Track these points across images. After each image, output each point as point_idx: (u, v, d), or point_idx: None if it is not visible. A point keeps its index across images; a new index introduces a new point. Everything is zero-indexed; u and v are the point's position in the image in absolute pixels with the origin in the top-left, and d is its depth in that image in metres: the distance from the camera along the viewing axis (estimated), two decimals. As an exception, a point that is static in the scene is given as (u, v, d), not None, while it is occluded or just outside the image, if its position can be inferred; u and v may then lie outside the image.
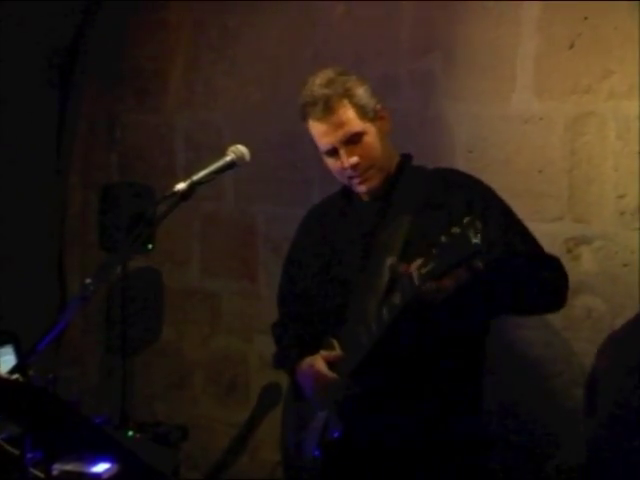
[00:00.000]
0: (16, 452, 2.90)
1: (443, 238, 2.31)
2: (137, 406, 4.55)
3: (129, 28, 4.56)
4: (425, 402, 2.63)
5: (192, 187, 2.53)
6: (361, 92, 2.70)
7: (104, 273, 2.81)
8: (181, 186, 2.52)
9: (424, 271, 2.36)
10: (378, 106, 2.74)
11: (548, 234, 3.22)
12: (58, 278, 4.88)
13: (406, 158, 2.86)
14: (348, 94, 2.68)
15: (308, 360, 2.77)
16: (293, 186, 4.02)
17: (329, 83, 2.68)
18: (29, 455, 2.56)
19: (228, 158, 2.65)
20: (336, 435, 2.66)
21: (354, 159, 2.68)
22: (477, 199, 2.68)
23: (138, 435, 4.04)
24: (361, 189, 2.76)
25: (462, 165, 3.45)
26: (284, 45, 4.02)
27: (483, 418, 2.82)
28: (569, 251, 3.29)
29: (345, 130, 2.68)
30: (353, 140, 2.68)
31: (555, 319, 3.29)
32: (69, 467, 2.93)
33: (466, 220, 2.29)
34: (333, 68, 2.75)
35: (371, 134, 2.71)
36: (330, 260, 2.85)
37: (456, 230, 2.29)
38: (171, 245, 4.45)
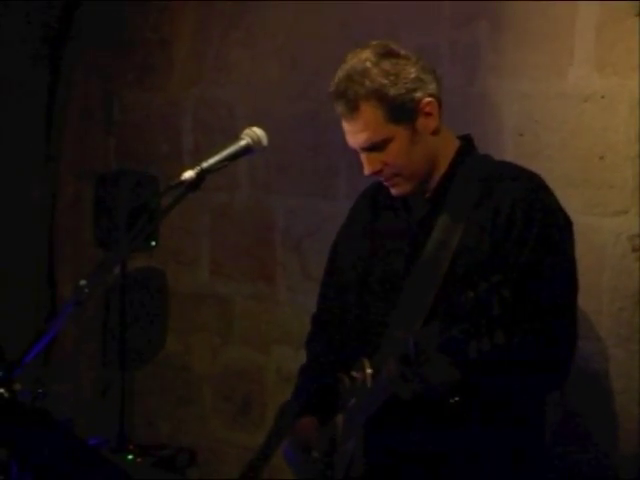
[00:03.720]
0: (1, 477, 2.93)
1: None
2: (138, 426, 4.58)
3: (129, -6, 4.60)
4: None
5: (201, 176, 2.53)
6: (397, 88, 2.64)
7: (100, 274, 2.82)
8: (189, 175, 2.53)
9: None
10: (424, 100, 2.67)
11: (610, 230, 3.21)
12: (48, 280, 4.91)
13: (466, 145, 2.82)
14: (379, 94, 2.63)
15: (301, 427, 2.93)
16: (316, 175, 4.03)
17: (359, 76, 2.64)
18: (15, 481, 2.59)
19: (242, 142, 2.65)
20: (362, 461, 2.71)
21: (374, 167, 2.69)
22: (521, 212, 2.63)
23: (139, 459, 4.08)
24: (393, 192, 2.77)
25: (511, 150, 3.45)
26: (306, 12, 4.03)
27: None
28: (634, 250, 3.28)
29: (367, 137, 2.66)
30: (376, 147, 2.67)
31: (617, 329, 3.28)
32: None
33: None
34: (375, 49, 2.69)
35: (401, 139, 2.67)
36: (374, 253, 2.86)
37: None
38: (177, 242, 4.48)
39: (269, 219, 4.23)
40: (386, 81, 2.64)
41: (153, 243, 4.18)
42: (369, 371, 2.68)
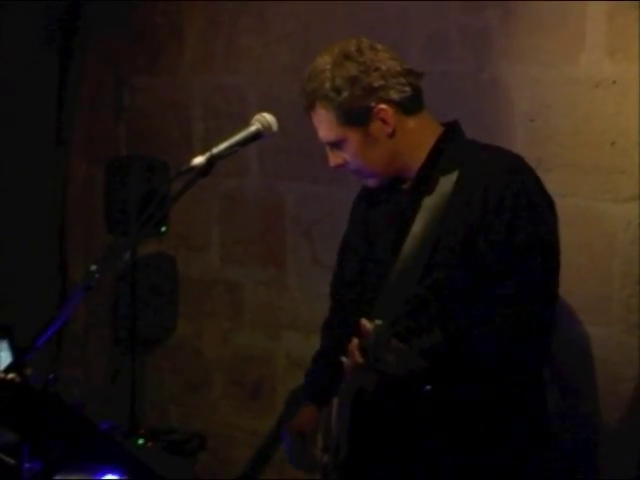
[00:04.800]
0: (12, 462, 2.94)
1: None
2: (148, 411, 4.60)
3: (139, -21, 4.59)
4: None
5: (211, 162, 2.54)
6: (349, 94, 2.67)
7: (111, 259, 2.84)
8: (199, 160, 2.53)
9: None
10: (379, 106, 2.69)
11: (621, 217, 3.21)
12: (59, 265, 4.93)
13: (448, 132, 2.81)
14: (330, 97, 2.68)
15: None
16: (326, 161, 4.00)
17: (315, 77, 2.71)
18: (27, 465, 2.60)
19: (253, 128, 2.66)
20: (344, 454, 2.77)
21: (336, 161, 2.80)
22: (494, 195, 2.62)
23: (149, 443, 4.09)
24: (365, 184, 2.89)
25: (522, 136, 3.44)
26: (317, -1, 4.02)
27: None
28: (645, 236, 3.28)
29: (323, 134, 2.77)
30: (334, 145, 2.77)
31: (627, 315, 3.28)
32: (72, 479, 2.97)
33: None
34: (340, 50, 2.71)
35: (354, 141, 2.72)
36: (368, 243, 2.91)
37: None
38: (187, 228, 4.48)
39: (279, 205, 4.24)
40: (338, 85, 2.68)
41: (163, 229, 4.18)
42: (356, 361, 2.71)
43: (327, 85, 2.68)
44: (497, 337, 2.59)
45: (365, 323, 2.45)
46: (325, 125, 2.74)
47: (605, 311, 3.31)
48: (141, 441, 4.09)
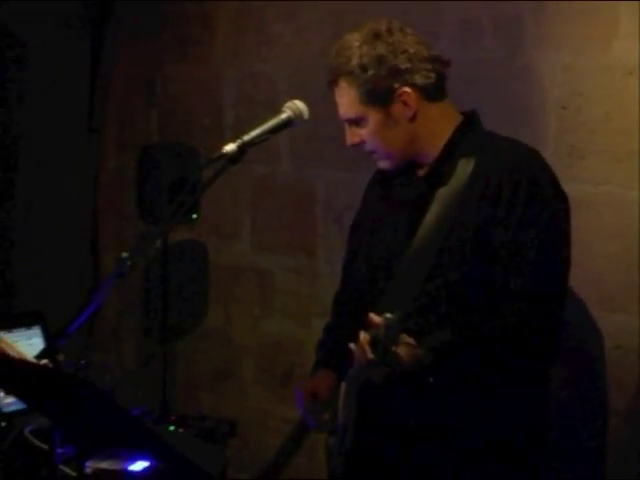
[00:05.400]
0: (45, 447, 2.97)
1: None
2: (179, 397, 4.61)
3: (171, -34, 4.60)
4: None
5: (242, 149, 2.55)
6: (374, 73, 2.67)
7: (142, 247, 2.84)
8: (230, 147, 2.54)
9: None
10: (402, 89, 2.69)
11: (655, 206, 3.20)
12: (91, 252, 4.95)
13: (466, 122, 2.81)
14: (354, 74, 2.68)
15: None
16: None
17: (342, 53, 2.71)
18: (59, 451, 2.62)
19: (284, 115, 2.66)
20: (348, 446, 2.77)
21: (353, 140, 2.78)
22: (507, 189, 2.62)
23: (180, 430, 4.10)
24: (379, 165, 2.86)
25: (554, 123, 3.43)
26: (348, -16, 4.01)
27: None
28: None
29: (344, 110, 2.76)
30: (353, 122, 2.76)
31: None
32: (104, 465, 2.99)
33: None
34: (369, 28, 2.71)
35: (374, 121, 2.71)
36: (380, 226, 2.91)
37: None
38: (218, 215, 4.49)
39: (310, 192, 4.24)
40: (365, 63, 2.68)
41: (194, 216, 4.19)
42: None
43: (354, 62, 2.68)
44: (508, 334, 2.59)
45: (374, 317, 2.45)
46: (347, 101, 2.73)
47: (636, 299, 3.30)
48: (172, 427, 4.10)
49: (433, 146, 2.76)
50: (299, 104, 2.68)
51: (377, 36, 2.70)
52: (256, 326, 4.48)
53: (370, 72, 2.68)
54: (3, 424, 3.22)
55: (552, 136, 3.42)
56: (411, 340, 2.44)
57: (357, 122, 2.74)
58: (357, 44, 2.70)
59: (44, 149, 4.60)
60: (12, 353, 2.65)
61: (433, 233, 2.69)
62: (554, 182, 2.69)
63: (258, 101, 4.31)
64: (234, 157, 2.54)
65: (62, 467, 2.77)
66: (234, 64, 4.45)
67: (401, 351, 2.42)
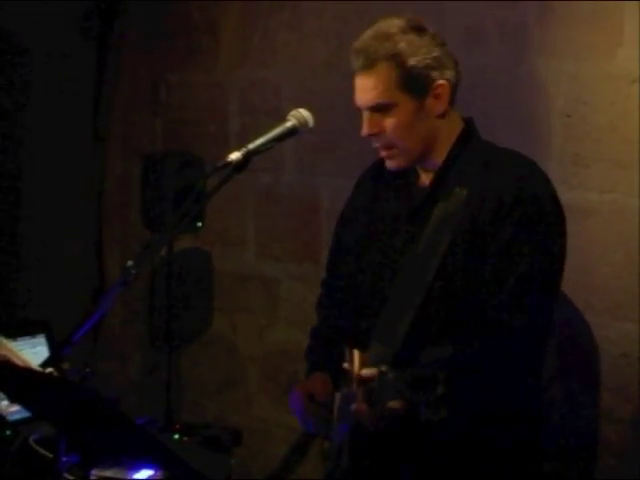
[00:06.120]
0: (49, 455, 2.97)
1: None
2: (184, 406, 4.62)
3: (176, -25, 4.61)
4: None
5: (247, 157, 2.56)
6: (417, 60, 2.66)
7: (147, 255, 2.86)
8: (235, 156, 2.55)
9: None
10: (439, 81, 2.69)
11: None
12: (96, 260, 4.96)
13: (468, 130, 2.81)
14: (398, 59, 2.65)
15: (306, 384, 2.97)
16: (362, 156, 3.98)
17: (384, 37, 2.68)
18: (64, 459, 2.62)
19: (288, 124, 2.67)
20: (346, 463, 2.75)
21: (372, 129, 2.71)
22: (505, 206, 2.62)
23: (185, 438, 4.10)
24: (386, 165, 2.80)
25: (559, 132, 3.43)
26: (353, -7, 4.02)
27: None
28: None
29: (375, 95, 2.68)
30: (380, 109, 2.69)
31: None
32: (108, 473, 2.99)
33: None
34: (407, 19, 2.72)
35: (405, 110, 2.68)
36: (373, 230, 2.89)
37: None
38: (223, 223, 4.50)
39: (315, 200, 4.24)
40: (408, 49, 2.67)
41: (199, 224, 4.20)
42: (356, 371, 2.65)
43: (401, 45, 2.66)
44: (494, 346, 2.59)
45: (367, 371, 2.46)
46: (382, 85, 2.67)
47: (632, 307, 3.30)
48: (177, 436, 4.11)
49: (440, 151, 2.76)
50: (304, 112, 2.68)
51: (420, 26, 2.70)
52: (261, 334, 4.48)
53: (416, 57, 2.66)
54: (8, 432, 3.23)
55: (557, 144, 3.43)
56: (408, 393, 2.41)
57: (386, 109, 2.68)
58: (401, 30, 2.68)
59: (49, 157, 4.62)
60: (17, 361, 2.65)
61: (430, 249, 2.67)
62: (555, 199, 2.70)
63: (263, 109, 4.32)
64: (239, 165, 2.55)
65: (67, 475, 2.77)
66: (239, 72, 4.46)
67: (396, 404, 2.42)
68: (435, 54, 2.69)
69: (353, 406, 2.49)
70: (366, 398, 2.44)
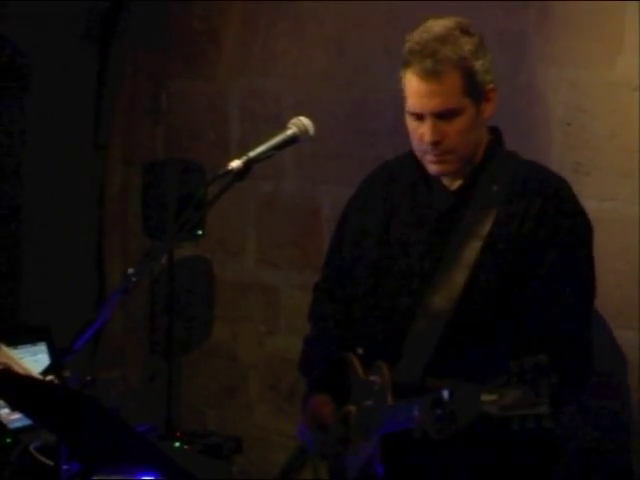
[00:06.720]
0: (50, 463, 2.97)
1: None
2: (185, 414, 4.62)
3: (177, -17, 4.62)
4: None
5: (248, 165, 2.55)
6: (480, 64, 2.63)
7: (148, 263, 2.86)
8: (235, 164, 2.55)
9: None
10: (490, 85, 2.67)
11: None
12: (96, 268, 4.96)
13: (495, 139, 2.79)
14: (465, 63, 2.61)
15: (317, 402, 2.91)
16: (363, 164, 4.02)
17: (449, 40, 2.61)
18: (65, 467, 2.62)
19: (289, 132, 2.67)
20: (380, 472, 2.71)
21: (436, 137, 2.63)
22: (552, 219, 2.63)
23: (186, 446, 4.11)
24: (431, 169, 2.72)
25: (559, 140, 3.44)
26: (353, 1, 4.02)
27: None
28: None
29: (443, 101, 2.61)
30: (446, 115, 2.62)
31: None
32: (109, 481, 2.99)
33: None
34: (457, 21, 2.67)
35: (468, 115, 2.64)
36: (390, 238, 2.84)
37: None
38: (223, 231, 4.50)
39: (315, 208, 4.25)
40: (472, 53, 2.63)
41: (200, 232, 4.20)
42: (388, 383, 2.66)
43: (466, 48, 2.62)
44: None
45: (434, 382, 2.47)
46: (451, 92, 2.60)
47: (633, 316, 3.30)
48: (178, 444, 4.11)
49: (473, 157, 2.72)
50: (304, 120, 2.68)
51: (466, 30, 2.66)
52: (261, 342, 4.48)
53: (480, 61, 2.63)
54: (9, 440, 3.23)
55: (557, 152, 3.43)
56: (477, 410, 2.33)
57: (452, 115, 2.62)
58: (460, 32, 2.64)
59: (50, 165, 4.62)
60: (18, 369, 2.65)
61: (464, 253, 2.65)
62: (585, 212, 2.72)
63: (263, 117, 4.32)
64: (240, 173, 2.54)
65: (67, 483, 2.77)
66: (240, 80, 4.47)
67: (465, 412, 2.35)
68: (488, 57, 2.67)
69: (416, 414, 2.44)
70: (431, 408, 2.40)
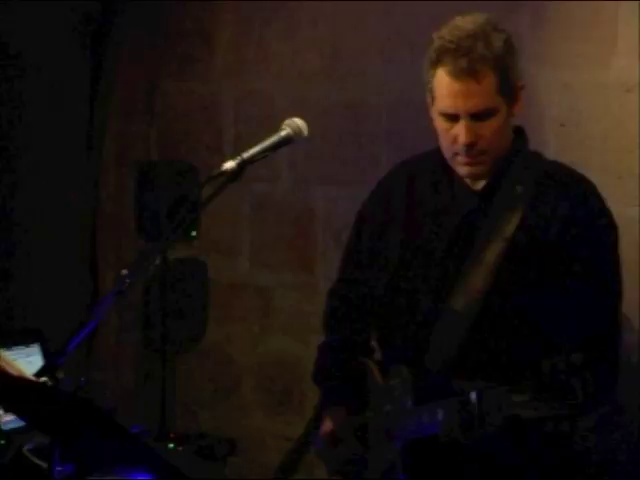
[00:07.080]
0: (44, 465, 2.97)
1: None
2: (178, 415, 4.61)
3: (171, -16, 4.62)
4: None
5: (242, 166, 2.54)
6: (512, 61, 2.57)
7: (142, 264, 2.85)
8: (229, 165, 2.54)
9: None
10: (520, 83, 2.62)
11: (653, 222, 3.20)
12: (90, 269, 4.96)
13: (519, 139, 2.72)
14: (499, 61, 2.54)
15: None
16: (357, 165, 4.03)
17: (485, 37, 2.53)
18: (58, 468, 2.62)
19: (283, 133, 2.66)
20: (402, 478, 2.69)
21: (472, 138, 2.56)
22: (581, 220, 2.59)
23: (180, 448, 4.10)
24: (462, 171, 2.65)
25: (553, 141, 3.44)
26: (346, 2, 4.03)
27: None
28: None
29: (479, 101, 2.53)
30: (481, 116, 2.55)
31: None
32: (102, 482, 2.99)
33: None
34: (487, 17, 2.59)
35: (502, 115, 2.58)
36: (411, 239, 2.79)
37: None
38: (217, 233, 4.50)
39: (309, 209, 4.25)
40: (506, 51, 2.56)
41: (194, 233, 4.20)
42: (409, 387, 2.64)
43: (500, 47, 2.54)
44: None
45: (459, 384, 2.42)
46: (487, 91, 2.53)
47: (633, 317, 3.30)
48: (171, 445, 4.10)
49: (498, 157, 2.64)
50: (298, 122, 2.67)
51: (496, 27, 2.58)
52: (256, 343, 4.48)
53: (513, 60, 2.58)
54: (2, 442, 3.22)
55: (551, 153, 3.42)
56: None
57: (486, 115, 2.55)
58: (492, 29, 2.56)
59: (43, 167, 4.62)
60: (11, 370, 2.65)
61: (488, 253, 2.61)
62: (612, 216, 2.67)
63: (257, 119, 4.32)
64: (234, 175, 2.53)
65: (61, 485, 2.77)
66: (233, 82, 4.47)
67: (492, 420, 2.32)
68: (517, 54, 2.61)
69: (441, 418, 2.43)
70: (458, 412, 2.37)
